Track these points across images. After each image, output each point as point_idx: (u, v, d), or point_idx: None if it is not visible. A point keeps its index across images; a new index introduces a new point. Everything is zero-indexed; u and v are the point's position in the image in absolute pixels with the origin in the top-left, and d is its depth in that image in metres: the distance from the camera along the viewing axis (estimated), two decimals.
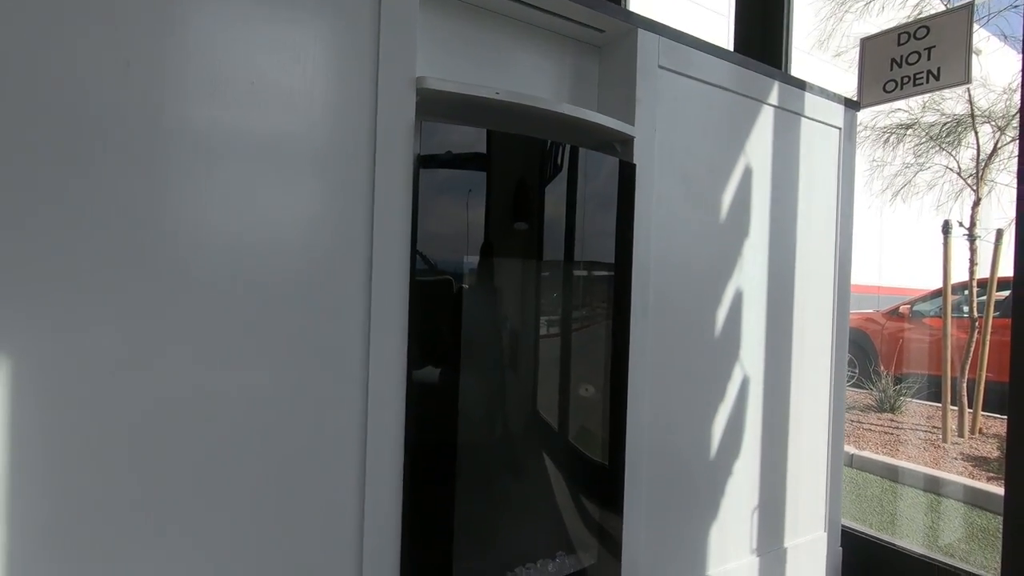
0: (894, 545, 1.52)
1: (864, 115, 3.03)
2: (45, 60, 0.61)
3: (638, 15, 1.07)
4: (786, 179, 1.34)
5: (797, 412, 1.39)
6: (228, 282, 0.71)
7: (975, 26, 1.39)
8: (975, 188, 4.75)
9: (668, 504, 1.16)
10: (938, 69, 1.43)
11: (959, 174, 5.03)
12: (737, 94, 1.23)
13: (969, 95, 4.81)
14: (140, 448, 0.67)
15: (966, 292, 4.31)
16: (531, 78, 1.07)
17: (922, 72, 1.46)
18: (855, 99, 1.52)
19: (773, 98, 1.29)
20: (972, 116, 4.76)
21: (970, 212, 4.82)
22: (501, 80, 1.02)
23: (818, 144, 1.40)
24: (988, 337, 4.26)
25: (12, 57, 0.59)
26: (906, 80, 1.49)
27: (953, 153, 5.01)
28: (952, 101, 4.91)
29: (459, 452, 0.86)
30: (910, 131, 5.15)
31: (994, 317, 4.29)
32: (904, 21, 1.76)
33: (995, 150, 4.73)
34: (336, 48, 0.77)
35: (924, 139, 5.06)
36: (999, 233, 4.55)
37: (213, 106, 0.69)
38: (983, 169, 4.72)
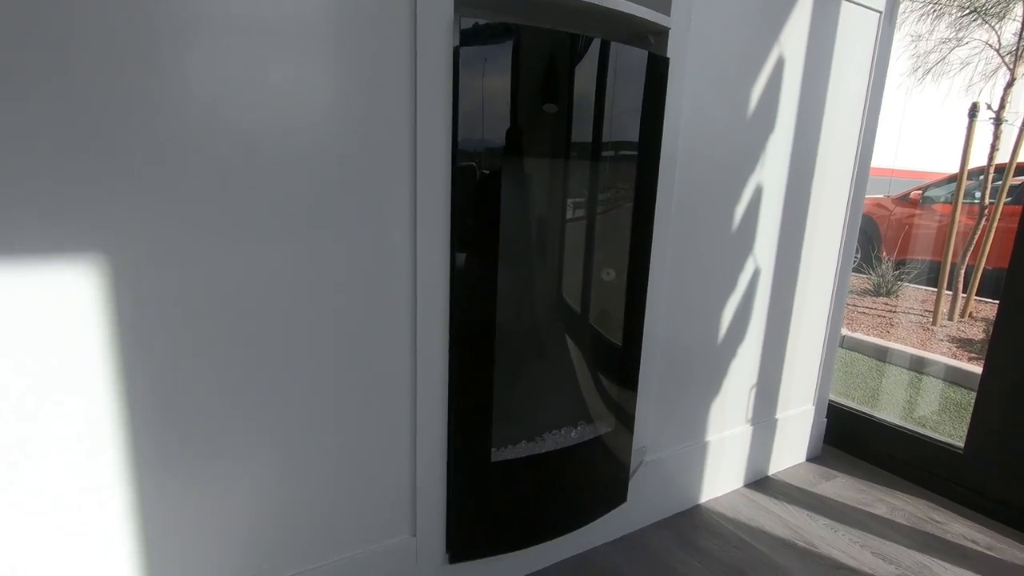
0: (872, 416, 1.70)
1: None
2: None
3: None
4: (818, 68, 1.31)
5: (801, 300, 1.48)
6: (294, 168, 0.75)
7: None
8: (1011, 67, 4.50)
9: (677, 382, 1.29)
10: None
11: (998, 51, 4.73)
12: None
13: None
14: (230, 329, 0.76)
15: (981, 177, 4.26)
16: None
17: None
18: None
19: None
20: None
21: (1002, 93, 4.61)
22: None
23: (855, 29, 1.35)
24: (995, 223, 4.28)
25: None
26: None
27: (996, 27, 4.67)
28: None
29: (497, 330, 0.95)
30: (955, 1, 4.77)
31: (1005, 203, 4.27)
32: None
33: None
34: None
35: (968, 10, 4.69)
36: None
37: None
38: None
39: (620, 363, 1.15)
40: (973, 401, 1.44)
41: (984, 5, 4.62)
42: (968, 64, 4.94)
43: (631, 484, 1.23)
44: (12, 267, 0.62)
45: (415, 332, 0.90)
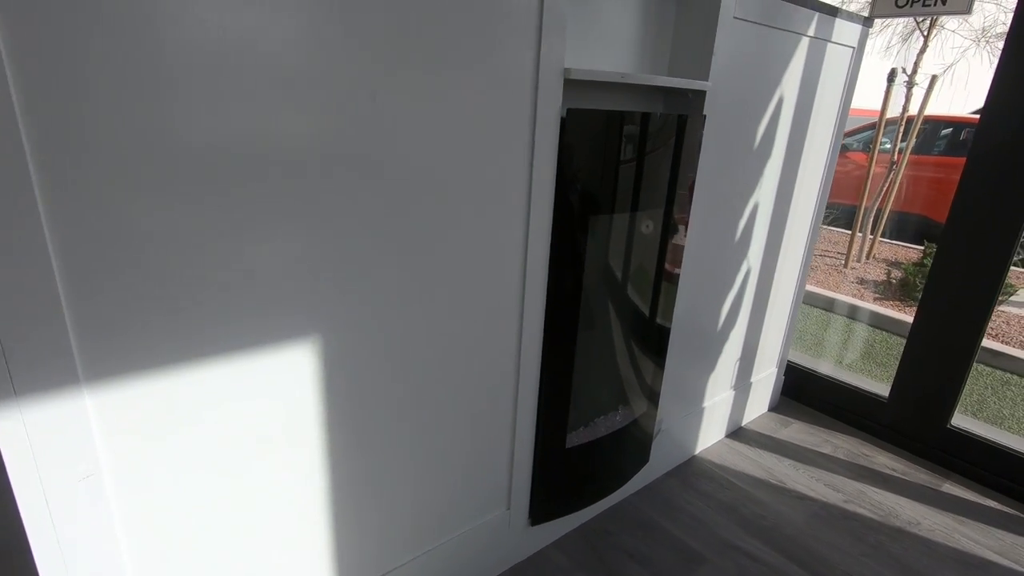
0: (815, 372, 2.10)
1: None
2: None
3: None
4: (806, 102, 1.55)
5: (776, 286, 1.80)
6: (459, 184, 0.93)
7: None
8: (925, 33, 4.97)
9: (687, 360, 1.58)
10: None
11: (914, 17, 5.16)
12: (783, 30, 1.37)
13: None
14: (394, 371, 0.95)
15: (894, 129, 4.77)
16: (615, 13, 1.17)
17: None
18: (868, 15, 1.67)
19: (811, 29, 1.44)
20: None
21: (915, 58, 5.09)
22: (591, 17, 1.12)
23: (834, 64, 1.59)
24: (902, 171, 4.87)
25: None
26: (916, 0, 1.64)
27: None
28: None
29: (579, 322, 1.19)
30: None
31: (910, 154, 4.83)
32: None
33: None
34: (519, 50, 0.89)
35: None
36: (933, 79, 4.92)
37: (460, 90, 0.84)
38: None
39: (654, 349, 1.42)
40: (880, 342, 1.85)
41: None
42: (887, 27, 5.38)
43: (652, 447, 1.54)
44: (257, 352, 0.78)
45: (520, 345, 1.12)
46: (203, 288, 0.71)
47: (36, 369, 0.61)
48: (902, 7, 1.68)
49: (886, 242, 5.28)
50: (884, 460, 1.82)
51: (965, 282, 1.66)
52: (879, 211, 4.86)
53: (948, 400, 1.76)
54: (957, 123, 5.51)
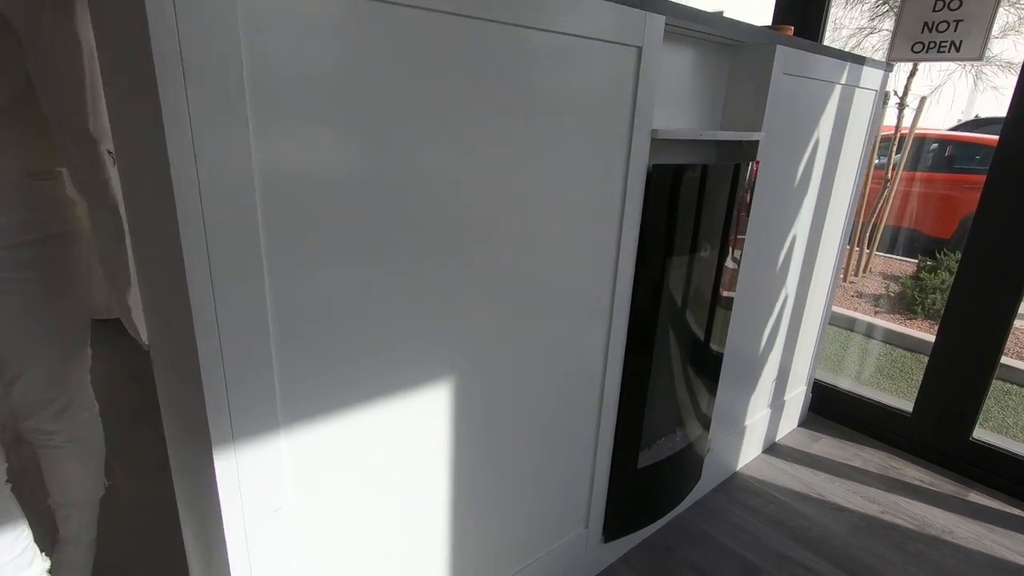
0: (837, 388, 2.22)
1: None
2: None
3: (777, 33, 1.29)
4: (837, 141, 1.68)
5: (808, 308, 1.92)
6: (566, 236, 1.03)
7: None
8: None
9: (732, 385, 1.69)
10: (960, 42, 1.74)
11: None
12: (823, 81, 1.51)
13: None
14: (505, 406, 1.04)
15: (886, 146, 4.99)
16: (672, 72, 1.29)
17: (947, 41, 1.76)
18: (887, 59, 1.82)
19: (843, 78, 1.58)
20: None
21: (906, 80, 5.32)
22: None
23: (861, 106, 1.73)
24: (895, 187, 5.07)
25: None
26: (932, 45, 1.79)
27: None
28: None
29: (654, 351, 1.29)
30: None
31: (903, 171, 5.05)
32: None
33: None
34: (619, 115, 1.00)
35: (879, 2, 5.30)
36: (922, 100, 5.15)
37: (571, 185, 0.94)
38: None
39: (710, 375, 1.52)
40: (885, 354, 1.97)
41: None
42: (878, 51, 5.61)
43: (703, 466, 1.64)
44: (407, 397, 0.87)
45: (604, 378, 1.22)
46: (376, 344, 0.81)
47: (248, 412, 0.70)
48: (918, 53, 1.83)
49: (881, 255, 5.46)
50: (912, 472, 1.93)
51: (985, 299, 1.78)
52: (874, 226, 5.05)
53: (970, 414, 1.88)
54: (942, 140, 5.74)
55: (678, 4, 1.03)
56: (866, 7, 5.48)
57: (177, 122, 0.57)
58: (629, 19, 0.95)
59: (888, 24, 5.35)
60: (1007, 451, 1.83)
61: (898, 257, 5.41)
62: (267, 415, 0.72)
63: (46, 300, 1.05)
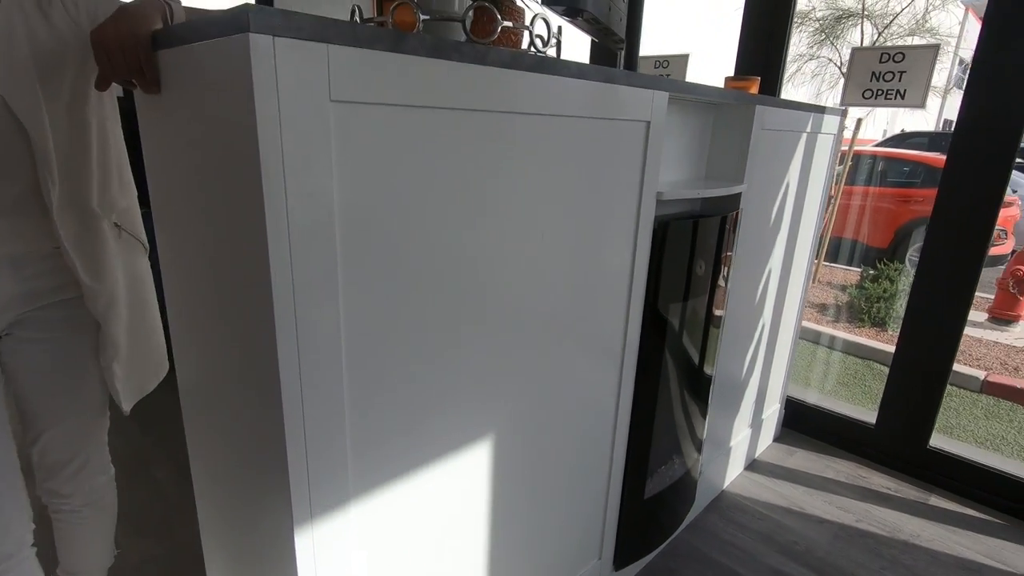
0: (805, 402, 2.38)
1: None
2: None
3: (759, 95, 1.42)
4: (804, 181, 1.84)
5: (782, 333, 2.07)
6: (580, 278, 1.10)
7: None
8: None
9: (719, 409, 1.81)
10: (904, 91, 1.93)
11: (839, 67, 5.84)
12: (793, 131, 1.65)
13: None
14: (528, 453, 1.10)
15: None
16: (668, 127, 1.40)
17: (893, 89, 1.96)
18: (841, 104, 2.00)
19: (808, 127, 1.74)
20: (862, 14, 5.43)
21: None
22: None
23: (822, 149, 1.90)
24: (838, 200, 5.45)
25: None
26: (880, 92, 1.98)
27: (837, 46, 5.76)
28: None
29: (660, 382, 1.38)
30: (803, 23, 5.73)
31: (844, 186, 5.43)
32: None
33: (873, 45, 5.50)
34: (632, 180, 1.09)
35: (817, 31, 5.71)
36: (859, 121, 5.56)
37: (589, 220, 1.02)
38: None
39: (703, 401, 1.63)
40: (838, 362, 2.14)
41: (828, 24, 5.66)
42: (817, 75, 6.00)
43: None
44: (454, 456, 0.93)
45: (616, 416, 1.30)
46: (427, 413, 0.86)
47: (325, 487, 0.75)
48: (868, 99, 2.02)
49: (827, 265, 5.82)
50: (879, 480, 2.10)
51: (937, 313, 1.96)
52: (820, 237, 5.38)
53: (927, 424, 2.07)
54: (875, 156, 6.20)
55: (677, 80, 1.14)
56: (804, 35, 5.90)
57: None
58: (640, 98, 1.05)
59: (826, 51, 5.78)
60: (961, 457, 2.02)
61: (841, 266, 5.78)
62: (341, 487, 0.77)
63: (75, 359, 1.06)
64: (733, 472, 2.03)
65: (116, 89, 1.01)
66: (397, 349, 0.80)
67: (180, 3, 0.87)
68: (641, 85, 1.04)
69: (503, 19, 0.85)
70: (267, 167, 0.59)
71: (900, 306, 4.45)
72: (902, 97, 1.95)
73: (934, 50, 1.88)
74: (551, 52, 0.97)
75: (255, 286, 0.65)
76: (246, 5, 0.54)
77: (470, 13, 0.81)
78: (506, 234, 0.90)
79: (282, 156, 0.60)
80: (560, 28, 1.00)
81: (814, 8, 5.53)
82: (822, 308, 4.98)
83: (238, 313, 0.71)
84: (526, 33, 0.97)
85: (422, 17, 0.78)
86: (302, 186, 0.63)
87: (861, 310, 4.61)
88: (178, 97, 0.72)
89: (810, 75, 5.82)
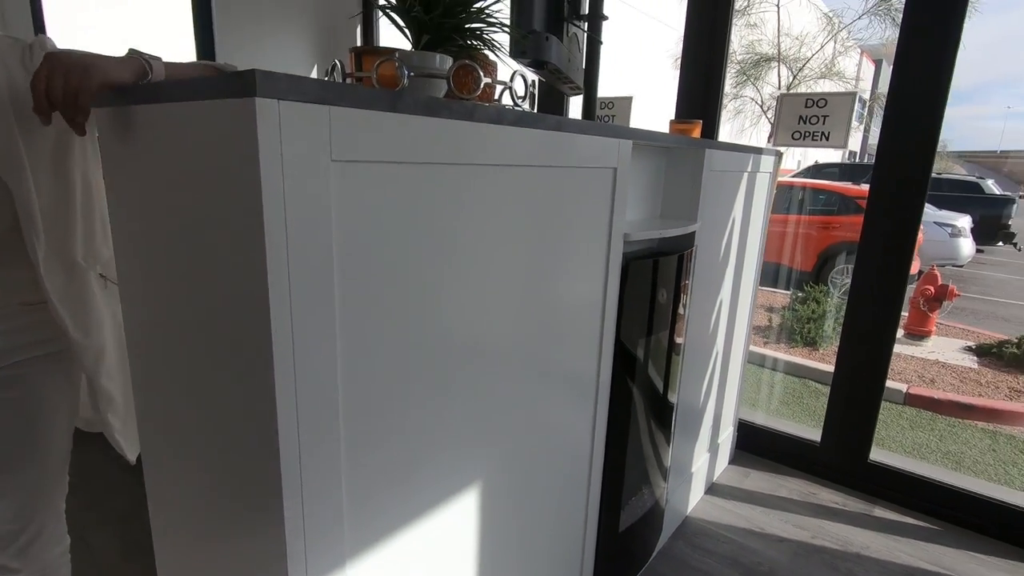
0: (755, 424, 2.49)
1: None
2: None
3: (708, 140, 1.52)
4: (747, 218, 1.97)
5: (733, 361, 2.17)
6: (551, 319, 1.12)
7: None
8: (772, 120, 5.99)
9: (681, 436, 1.86)
10: (828, 133, 2.12)
11: (760, 105, 6.30)
12: (737, 172, 1.77)
13: (778, 41, 5.89)
14: (511, 489, 1.10)
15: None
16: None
17: (818, 132, 2.14)
18: (773, 145, 2.17)
19: (750, 166, 1.87)
20: (779, 59, 5.90)
21: (767, 140, 6.11)
22: None
23: (761, 187, 2.04)
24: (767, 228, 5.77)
25: None
26: (807, 135, 2.16)
27: (758, 87, 6.23)
28: (764, 44, 5.99)
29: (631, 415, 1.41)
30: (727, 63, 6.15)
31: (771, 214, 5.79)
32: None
33: (789, 88, 5.96)
34: (602, 223, 1.14)
35: (739, 72, 6.16)
36: (779, 154, 5.98)
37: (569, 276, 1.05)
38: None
39: (667, 432, 1.68)
40: (779, 382, 2.28)
41: (749, 67, 6.10)
42: (740, 112, 6.42)
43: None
44: (443, 506, 0.92)
45: (592, 453, 1.32)
46: (419, 463, 0.85)
47: (322, 542, 0.72)
48: (796, 140, 2.20)
49: (761, 289, 6.14)
50: (827, 495, 2.21)
51: (868, 336, 2.12)
52: None
53: (866, 438, 2.21)
54: (794, 187, 6.69)
55: (640, 129, 1.21)
56: (728, 76, 6.34)
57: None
58: (608, 147, 1.10)
59: (748, 91, 6.24)
60: (898, 469, 2.17)
61: (771, 289, 6.14)
62: (336, 543, 0.74)
63: (40, 416, 0.99)
64: (695, 497, 2.09)
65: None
66: (388, 397, 0.79)
67: (161, 61, 0.85)
68: (609, 135, 1.10)
69: (483, 75, 0.88)
70: (270, 227, 0.59)
71: (828, 326, 4.76)
72: (826, 139, 2.14)
73: (852, 96, 2.07)
74: (525, 105, 1.01)
75: (253, 336, 0.63)
76: (255, 70, 0.55)
77: (454, 71, 0.84)
78: (492, 280, 0.92)
79: (284, 216, 0.60)
80: (535, 82, 1.04)
81: (735, 52, 5.97)
82: (759, 330, 5.23)
83: (228, 364, 0.68)
84: (498, 84, 1.01)
85: (407, 74, 0.80)
86: (303, 244, 0.62)
87: (794, 331, 4.88)
88: (163, 149, 0.70)
89: (734, 112, 6.23)
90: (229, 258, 0.64)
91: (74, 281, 0.95)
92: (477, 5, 0.86)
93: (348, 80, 0.91)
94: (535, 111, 1.05)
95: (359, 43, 3.52)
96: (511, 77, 0.94)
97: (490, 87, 0.97)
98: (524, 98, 0.99)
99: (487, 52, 0.99)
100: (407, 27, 0.88)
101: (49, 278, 0.91)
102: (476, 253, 0.87)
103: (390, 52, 0.86)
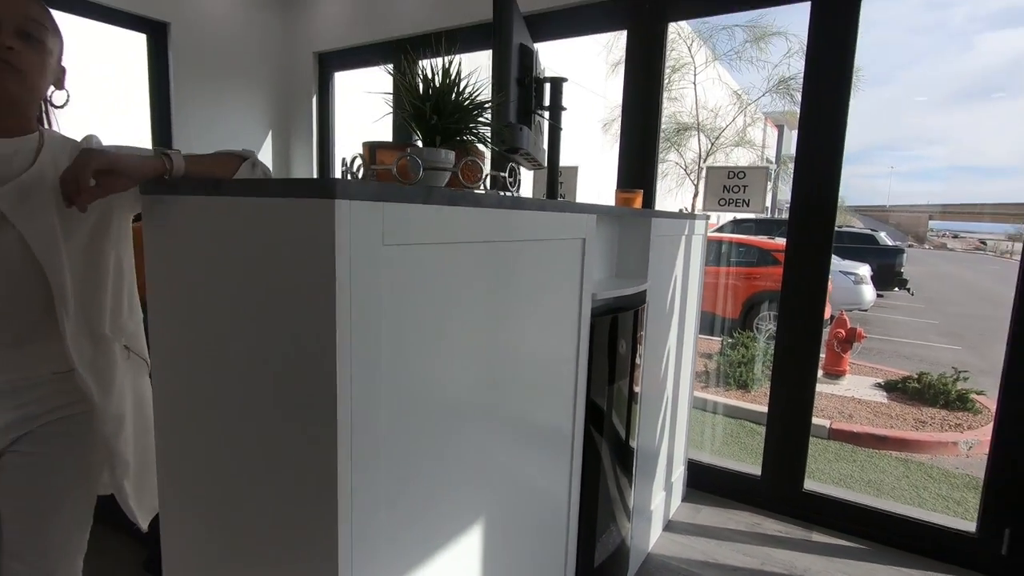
0: (702, 462, 2.70)
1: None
2: None
3: (654, 210, 1.76)
4: (686, 273, 2.22)
5: (680, 404, 2.38)
6: (536, 373, 1.25)
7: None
8: (695, 182, 6.57)
9: (640, 477, 2.02)
10: (748, 200, 2.45)
11: (683, 168, 6.90)
12: (677, 235, 2.03)
13: (696, 113, 6.54)
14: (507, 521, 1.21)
15: None
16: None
17: (740, 199, 2.47)
18: (703, 211, 2.48)
19: (687, 230, 2.14)
20: (698, 128, 6.54)
21: (691, 200, 6.66)
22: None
23: (695, 247, 2.32)
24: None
25: None
26: (731, 201, 2.49)
27: (681, 152, 6.85)
28: (684, 115, 6.63)
29: (600, 455, 1.55)
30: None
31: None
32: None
33: (708, 155, 6.59)
34: (573, 288, 1.32)
35: (664, 139, 6.76)
36: (708, 218, 6.53)
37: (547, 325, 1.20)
38: (701, 166, 6.56)
39: (629, 474, 1.83)
40: (719, 423, 2.51)
41: (677, 139, 6.70)
42: (666, 175, 6.98)
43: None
44: (453, 543, 1.02)
45: (569, 493, 1.44)
46: (426, 508, 0.96)
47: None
48: (722, 206, 2.52)
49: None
50: (771, 525, 2.41)
51: (795, 376, 2.39)
52: None
53: (799, 470, 2.45)
54: (719, 241, 7.26)
55: (601, 205, 1.42)
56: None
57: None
58: (579, 220, 1.30)
59: (673, 156, 6.85)
60: (829, 495, 2.41)
61: (704, 336, 6.56)
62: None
63: (62, 474, 1.02)
64: (655, 534, 2.23)
65: (131, 215, 1.06)
66: (414, 445, 0.90)
67: (180, 154, 0.94)
68: (579, 211, 1.30)
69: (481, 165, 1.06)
70: (340, 306, 0.72)
71: (757, 369, 5.15)
72: (747, 205, 2.46)
73: (766, 170, 2.42)
74: (515, 190, 1.20)
75: (316, 393, 0.74)
76: (335, 179, 0.69)
77: (460, 165, 1.01)
78: (495, 345, 1.06)
79: (350, 294, 0.73)
80: (520, 169, 1.23)
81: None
82: (697, 375, 5.53)
83: (293, 421, 0.78)
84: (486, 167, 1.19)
85: (423, 169, 0.97)
86: (361, 316, 0.75)
87: (728, 375, 5.23)
88: (221, 237, 0.82)
89: (661, 175, 6.77)
90: (300, 333, 0.76)
91: (100, 352, 1.01)
92: (476, 112, 1.05)
93: (372, 172, 1.05)
94: (518, 192, 1.23)
95: (315, 109, 3.68)
96: (508, 170, 1.13)
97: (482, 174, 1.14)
98: (515, 183, 1.17)
99: (479, 144, 1.17)
100: (420, 130, 1.05)
101: (77, 350, 0.97)
102: (477, 322, 1.02)
103: (403, 148, 1.02)
